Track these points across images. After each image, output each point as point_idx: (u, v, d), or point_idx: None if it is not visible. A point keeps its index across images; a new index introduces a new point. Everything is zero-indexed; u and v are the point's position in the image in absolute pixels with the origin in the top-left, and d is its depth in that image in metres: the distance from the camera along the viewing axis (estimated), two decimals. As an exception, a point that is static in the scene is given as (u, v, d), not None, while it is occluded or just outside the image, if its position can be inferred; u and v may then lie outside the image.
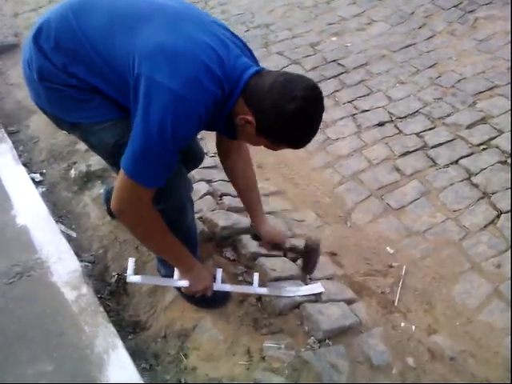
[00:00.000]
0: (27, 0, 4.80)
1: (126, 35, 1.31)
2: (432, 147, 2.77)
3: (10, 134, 3.10)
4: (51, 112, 1.52)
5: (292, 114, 1.26)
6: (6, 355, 1.75)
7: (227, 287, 1.79)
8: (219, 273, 1.77)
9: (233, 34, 1.45)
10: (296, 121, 1.27)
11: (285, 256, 2.14)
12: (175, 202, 1.59)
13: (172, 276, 1.74)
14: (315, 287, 1.95)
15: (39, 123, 3.20)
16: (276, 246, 1.92)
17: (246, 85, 1.32)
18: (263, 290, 1.85)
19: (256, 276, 1.83)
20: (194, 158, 1.93)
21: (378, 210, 2.46)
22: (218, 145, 1.78)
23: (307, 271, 1.96)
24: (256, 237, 1.95)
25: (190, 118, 1.27)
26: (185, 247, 1.61)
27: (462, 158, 2.67)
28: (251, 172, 1.86)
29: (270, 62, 3.56)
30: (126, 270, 1.96)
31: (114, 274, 2.13)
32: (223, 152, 1.80)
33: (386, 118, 3.01)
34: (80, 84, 1.41)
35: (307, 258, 1.89)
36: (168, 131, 1.25)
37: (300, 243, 1.94)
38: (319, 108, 1.33)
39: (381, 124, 2.97)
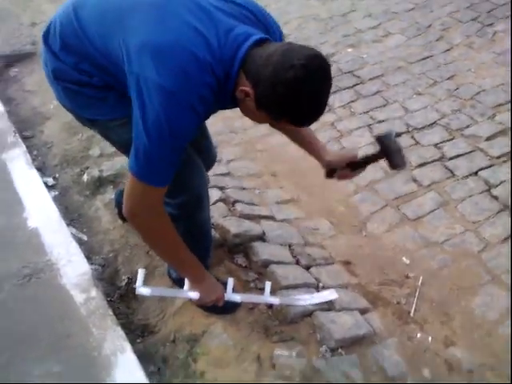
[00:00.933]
0: (45, 10, 4.88)
1: (115, 27, 1.29)
2: (450, 158, 2.71)
3: (25, 138, 3.12)
4: (71, 108, 1.53)
5: (290, 83, 1.15)
6: (14, 355, 1.72)
7: (238, 297, 1.74)
8: (230, 282, 1.73)
9: (233, 1, 1.33)
10: (295, 91, 1.16)
11: (297, 262, 2.09)
12: (192, 195, 1.57)
13: (182, 280, 1.70)
14: (328, 294, 1.90)
15: (53, 129, 3.22)
16: (352, 165, 1.69)
17: (245, 56, 1.23)
18: (275, 300, 1.80)
19: (268, 285, 1.78)
20: (206, 158, 1.90)
21: (394, 220, 2.40)
22: None
23: (397, 164, 1.64)
24: (330, 172, 1.74)
25: (183, 112, 1.22)
26: (195, 258, 1.57)
27: (481, 169, 2.61)
28: None
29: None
30: (136, 273, 1.93)
31: (124, 277, 2.11)
32: None
33: (402, 128, 2.97)
34: (92, 81, 1.40)
35: (388, 149, 1.60)
36: (165, 128, 1.22)
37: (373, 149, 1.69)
38: (322, 78, 1.20)
39: (397, 135, 2.91)
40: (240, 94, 1.26)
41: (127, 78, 1.27)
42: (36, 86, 3.72)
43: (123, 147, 1.53)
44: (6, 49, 4.12)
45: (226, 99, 1.32)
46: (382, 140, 1.61)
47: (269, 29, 1.38)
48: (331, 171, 1.74)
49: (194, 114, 1.24)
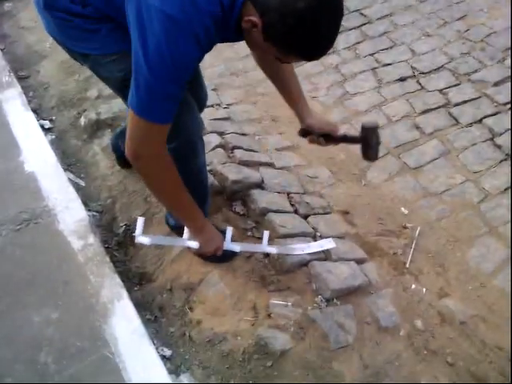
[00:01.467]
0: None
1: None
2: (455, 105, 2.64)
3: (20, 78, 3.04)
4: (62, 41, 1.46)
5: (301, 12, 1.09)
6: (14, 300, 1.76)
7: (237, 247, 1.74)
8: (229, 231, 1.72)
9: None
10: (306, 22, 1.10)
11: (295, 212, 2.08)
12: (186, 139, 1.54)
13: (180, 228, 1.70)
14: (326, 243, 1.90)
15: (50, 68, 3.13)
16: (328, 138, 1.70)
17: None
18: (273, 250, 1.80)
19: (266, 234, 1.78)
20: (198, 100, 1.84)
21: (394, 168, 2.37)
22: (256, 58, 1.67)
23: (370, 157, 1.68)
24: (304, 131, 1.75)
25: (187, 41, 1.16)
26: (196, 205, 1.55)
27: (486, 117, 2.55)
28: (292, 70, 1.67)
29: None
30: (134, 221, 1.93)
31: (121, 224, 2.11)
32: (261, 62, 1.67)
33: (408, 72, 2.87)
34: (84, 11, 1.33)
35: (366, 141, 1.64)
36: (167, 57, 1.15)
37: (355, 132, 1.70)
38: (335, 10, 1.15)
39: (402, 79, 2.83)
40: (246, 24, 1.18)
41: (126, 7, 1.20)
42: (32, 21, 3.58)
43: (115, 85, 1.49)
44: (-2, -19, 3.92)
45: (229, 30, 1.24)
46: (365, 130, 1.63)
47: None
48: (306, 132, 1.73)
49: (197, 45, 1.18)
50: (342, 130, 1.69)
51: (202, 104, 1.92)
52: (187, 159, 1.59)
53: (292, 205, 2.15)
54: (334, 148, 2.50)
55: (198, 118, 1.62)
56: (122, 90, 1.42)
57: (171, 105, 1.26)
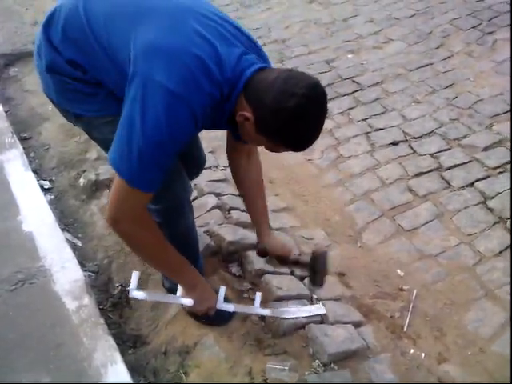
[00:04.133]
0: (47, 9, 4.85)
1: (125, 25, 1.28)
2: (447, 169, 2.71)
3: (22, 140, 3.10)
4: (58, 102, 1.51)
5: (291, 111, 1.19)
6: (4, 363, 1.71)
7: (230, 307, 1.72)
8: (222, 291, 1.71)
9: (237, 27, 1.36)
10: (295, 119, 1.20)
11: (291, 273, 2.09)
12: (172, 202, 1.56)
13: (176, 290, 1.69)
14: (316, 309, 1.89)
15: (51, 130, 3.20)
16: (282, 260, 1.81)
17: (247, 81, 1.26)
18: (265, 312, 1.79)
19: (258, 296, 1.76)
20: (196, 164, 1.89)
21: (389, 230, 2.40)
22: (229, 149, 1.74)
23: (315, 283, 1.77)
24: (261, 252, 1.85)
25: (185, 118, 1.22)
26: (187, 263, 1.56)
27: (477, 180, 2.61)
28: (260, 180, 1.82)
29: (285, 78, 3.55)
30: (129, 282, 1.92)
31: (117, 285, 2.10)
32: (233, 156, 1.75)
33: (400, 137, 2.97)
34: (85, 77, 1.39)
35: (314, 267, 1.73)
36: (164, 131, 1.20)
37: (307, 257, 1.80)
38: (321, 108, 1.25)
39: (395, 143, 2.92)
40: (240, 118, 1.28)
41: (128, 78, 1.25)
42: (35, 85, 3.69)
43: (104, 146, 1.53)
44: (7, 48, 4.09)
45: (222, 118, 1.33)
46: (314, 258, 1.72)
47: (261, 54, 1.41)
48: (265, 253, 1.83)
49: (194, 122, 1.24)
50: (295, 252, 1.82)
51: (199, 167, 1.97)
52: (174, 220, 1.61)
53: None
54: (328, 209, 2.56)
55: (186, 182, 1.66)
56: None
57: (159, 174, 1.29)
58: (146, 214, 1.38)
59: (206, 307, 1.64)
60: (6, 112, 3.36)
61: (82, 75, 1.39)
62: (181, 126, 1.23)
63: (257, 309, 1.75)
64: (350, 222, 2.46)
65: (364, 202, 2.57)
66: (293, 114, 1.19)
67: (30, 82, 3.78)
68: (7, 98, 3.62)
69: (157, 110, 1.20)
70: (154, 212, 1.53)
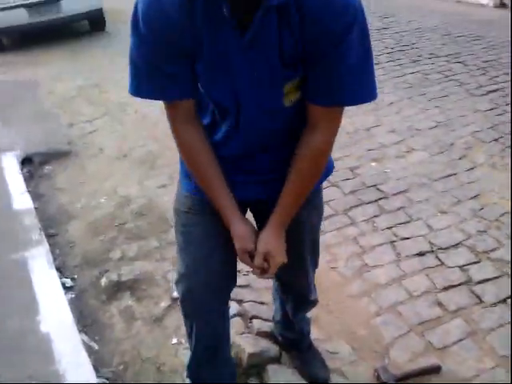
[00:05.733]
0: (83, 111, 5.17)
1: None
2: (477, 283, 2.62)
3: (49, 236, 3.16)
4: None
5: None
6: None
7: None
8: None
9: None
10: None
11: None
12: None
13: None
14: None
15: (78, 228, 3.27)
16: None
17: None
18: None
19: None
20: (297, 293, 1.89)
21: (418, 347, 2.27)
22: None
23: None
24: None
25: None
26: (222, 186, 1.39)
27: (509, 297, 2.51)
28: (309, 166, 1.36)
29: (309, 183, 3.61)
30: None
31: (130, 396, 2.01)
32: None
33: (426, 247, 2.92)
34: None
35: None
36: (138, 15, 1.16)
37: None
38: None
39: (421, 254, 2.87)
40: None
41: None
42: (66, 184, 3.84)
43: None
44: (43, 147, 4.31)
45: None
46: None
47: None
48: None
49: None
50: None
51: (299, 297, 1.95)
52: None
53: (311, 383, 2.04)
54: (353, 321, 2.47)
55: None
56: None
57: (135, 72, 1.27)
58: (175, 128, 1.36)
59: (238, 247, 1.44)
60: (35, 208, 3.46)
61: None
62: (152, 4, 1.16)
63: None
64: (376, 336, 2.35)
65: (391, 315, 2.47)
66: None
67: (62, 180, 3.93)
68: (38, 195, 3.75)
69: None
70: None
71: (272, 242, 1.42)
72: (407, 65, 5.85)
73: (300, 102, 1.30)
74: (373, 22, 7.57)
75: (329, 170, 1.58)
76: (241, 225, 1.42)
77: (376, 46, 6.43)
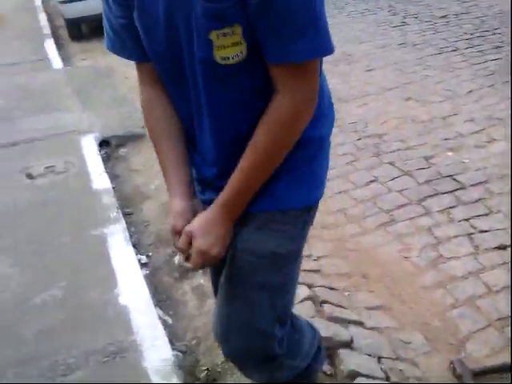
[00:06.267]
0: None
1: None
2: None
3: (126, 215, 3.29)
4: None
5: None
6: None
7: None
8: None
9: None
10: None
11: (387, 379, 1.94)
12: None
13: None
14: None
15: (152, 208, 3.38)
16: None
17: None
18: None
19: None
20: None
21: (497, 343, 2.18)
22: None
23: None
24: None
25: None
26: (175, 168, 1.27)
27: None
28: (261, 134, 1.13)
29: (381, 172, 3.54)
30: (216, 365, 1.88)
31: (203, 368, 2.06)
32: None
33: (507, 241, 2.78)
34: None
35: None
36: None
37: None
38: None
39: (501, 247, 2.74)
40: None
41: None
42: (141, 165, 3.98)
43: None
44: (120, 130, 4.49)
45: None
46: None
47: None
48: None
49: None
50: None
51: None
52: None
53: (383, 371, 2.00)
54: (427, 312, 2.40)
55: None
56: None
57: (109, 32, 1.25)
58: (143, 88, 1.31)
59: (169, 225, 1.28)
60: (113, 188, 3.61)
61: None
62: None
63: None
64: (452, 328, 2.27)
65: (468, 308, 2.38)
66: None
67: (137, 161, 4.07)
68: (115, 176, 3.91)
69: None
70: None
71: (201, 222, 1.19)
72: (488, 51, 5.54)
73: (255, 75, 1.12)
74: (451, 7, 7.26)
75: (312, 157, 1.27)
76: (178, 200, 1.24)
77: (454, 32, 6.17)
